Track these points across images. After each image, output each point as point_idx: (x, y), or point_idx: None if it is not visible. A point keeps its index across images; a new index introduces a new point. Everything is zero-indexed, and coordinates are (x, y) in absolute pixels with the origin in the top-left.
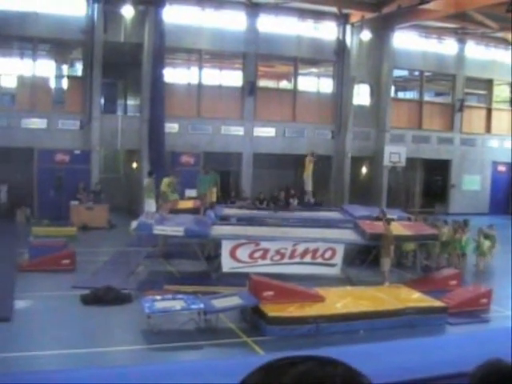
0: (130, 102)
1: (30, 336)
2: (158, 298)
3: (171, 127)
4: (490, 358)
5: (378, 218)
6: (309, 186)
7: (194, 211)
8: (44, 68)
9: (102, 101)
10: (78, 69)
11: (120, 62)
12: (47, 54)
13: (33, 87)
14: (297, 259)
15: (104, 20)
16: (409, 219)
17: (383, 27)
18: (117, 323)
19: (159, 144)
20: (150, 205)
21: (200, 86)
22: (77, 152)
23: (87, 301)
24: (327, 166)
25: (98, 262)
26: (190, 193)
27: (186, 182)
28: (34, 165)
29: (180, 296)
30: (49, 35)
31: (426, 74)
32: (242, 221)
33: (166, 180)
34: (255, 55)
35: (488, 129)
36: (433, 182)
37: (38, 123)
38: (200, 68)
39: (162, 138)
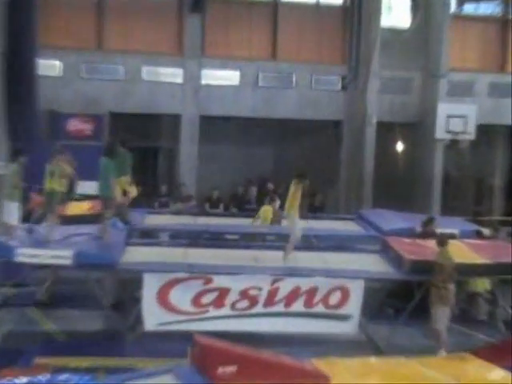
0: None
1: None
2: (24, 380)
3: (49, 66)
4: None
5: (423, 234)
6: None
7: (93, 220)
8: None
9: None
10: None
11: None
12: None
13: None
14: (279, 307)
15: None
16: (481, 235)
17: None
18: None
19: (28, 97)
20: (12, 211)
21: None
22: None
23: None
24: (334, 140)
25: None
26: (85, 187)
27: (77, 167)
28: None
29: (65, 377)
30: None
31: None
32: (180, 238)
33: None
34: None
35: None
36: None
37: None
38: None
39: (33, 85)
